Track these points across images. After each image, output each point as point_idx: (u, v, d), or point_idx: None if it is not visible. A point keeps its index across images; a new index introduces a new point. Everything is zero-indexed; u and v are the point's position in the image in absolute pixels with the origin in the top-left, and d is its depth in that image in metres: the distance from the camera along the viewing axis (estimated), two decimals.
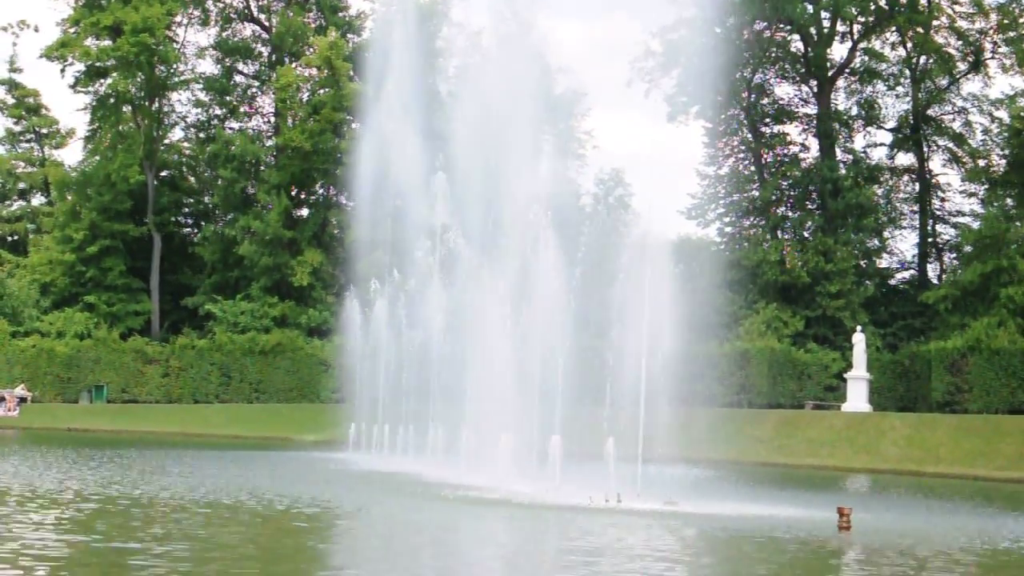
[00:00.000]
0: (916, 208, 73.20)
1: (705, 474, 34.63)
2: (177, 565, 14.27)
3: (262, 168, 76.41)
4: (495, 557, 17.30)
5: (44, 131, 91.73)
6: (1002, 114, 68.46)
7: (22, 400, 64.10)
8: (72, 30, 74.02)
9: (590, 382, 29.11)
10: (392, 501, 24.47)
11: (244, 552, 16.51)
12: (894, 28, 70.93)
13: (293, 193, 76.25)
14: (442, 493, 26.08)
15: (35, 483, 24.81)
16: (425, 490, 27.06)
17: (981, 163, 70.39)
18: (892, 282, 73.27)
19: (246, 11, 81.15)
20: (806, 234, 70.12)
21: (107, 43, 72.94)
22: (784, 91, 76.42)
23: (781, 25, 71.25)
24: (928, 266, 72.27)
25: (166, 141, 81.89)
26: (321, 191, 78.49)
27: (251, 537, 18.22)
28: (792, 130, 76.34)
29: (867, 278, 68.73)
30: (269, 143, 78.17)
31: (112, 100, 75.07)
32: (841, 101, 75.09)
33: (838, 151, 72.56)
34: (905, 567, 17.43)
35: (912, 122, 72.46)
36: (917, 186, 73.42)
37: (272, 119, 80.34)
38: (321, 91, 74.27)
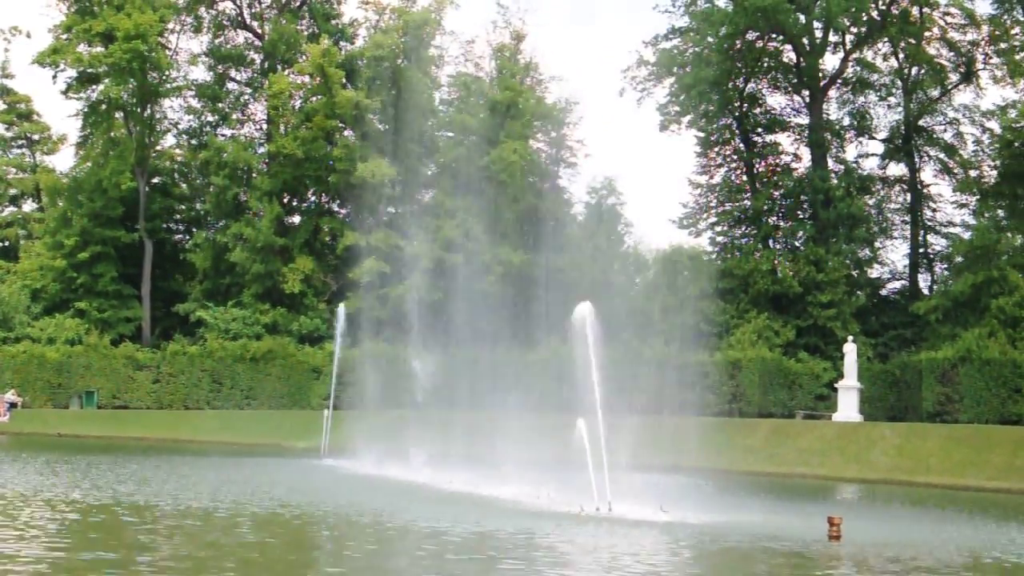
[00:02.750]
0: (907, 218, 73.23)
1: (696, 483, 34.58)
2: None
3: (254, 175, 76.27)
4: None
5: (35, 137, 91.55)
6: (993, 125, 68.60)
7: (12, 406, 63.98)
8: (64, 36, 73.88)
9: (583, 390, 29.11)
10: (378, 504, 24.43)
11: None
12: (886, 39, 71.02)
13: (285, 200, 76.21)
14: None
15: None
16: (409, 494, 27.02)
17: (972, 174, 70.47)
18: (883, 292, 73.28)
19: (239, 18, 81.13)
20: (797, 244, 70.18)
21: (99, 49, 72.77)
22: (776, 101, 76.59)
23: (773, 35, 71.34)
24: (919, 276, 72.29)
25: (158, 148, 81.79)
26: (313, 198, 78.48)
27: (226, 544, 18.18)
28: (784, 140, 76.50)
29: (858, 288, 68.76)
30: (261, 150, 78.07)
31: (104, 106, 74.92)
32: (833, 111, 75.21)
33: (830, 161, 72.62)
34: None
35: (904, 133, 72.54)
36: (908, 196, 73.47)
37: (264, 126, 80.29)
38: (313, 98, 74.32)
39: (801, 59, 71.51)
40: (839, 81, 73.90)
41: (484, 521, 22.35)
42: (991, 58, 69.74)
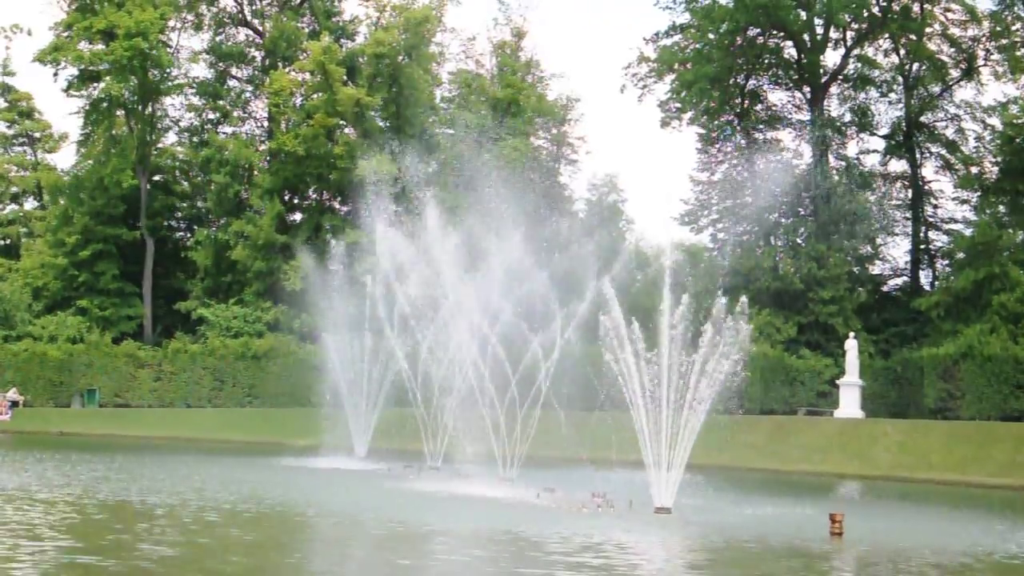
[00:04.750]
0: (909, 215, 73.19)
1: (697, 480, 34.58)
2: None
3: (255, 173, 76.28)
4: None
5: (37, 135, 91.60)
6: (995, 121, 68.52)
7: (14, 404, 63.98)
8: (65, 34, 73.83)
9: (584, 388, 29.13)
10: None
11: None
12: (887, 35, 70.96)
13: (286, 198, 76.15)
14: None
15: None
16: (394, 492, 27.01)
17: (974, 170, 70.38)
18: (885, 289, 73.19)
19: (240, 16, 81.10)
20: (799, 240, 70.12)
21: (100, 47, 72.71)
22: (777, 97, 76.56)
23: (774, 32, 71.29)
24: (921, 273, 72.27)
25: (159, 145, 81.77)
26: (314, 196, 78.40)
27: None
28: (785, 136, 76.48)
29: (860, 285, 68.67)
30: (262, 148, 78.06)
31: (105, 104, 74.92)
32: (834, 108, 75.15)
33: (831, 158, 72.56)
34: (897, 573, 17.44)
35: (905, 129, 72.49)
36: (910, 193, 73.43)
37: (265, 124, 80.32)
38: (314, 96, 74.24)
39: (802, 55, 71.47)
40: (840, 77, 73.85)
41: (485, 521, 22.39)
42: (992, 54, 69.73)
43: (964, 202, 71.70)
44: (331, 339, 45.71)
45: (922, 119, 72.69)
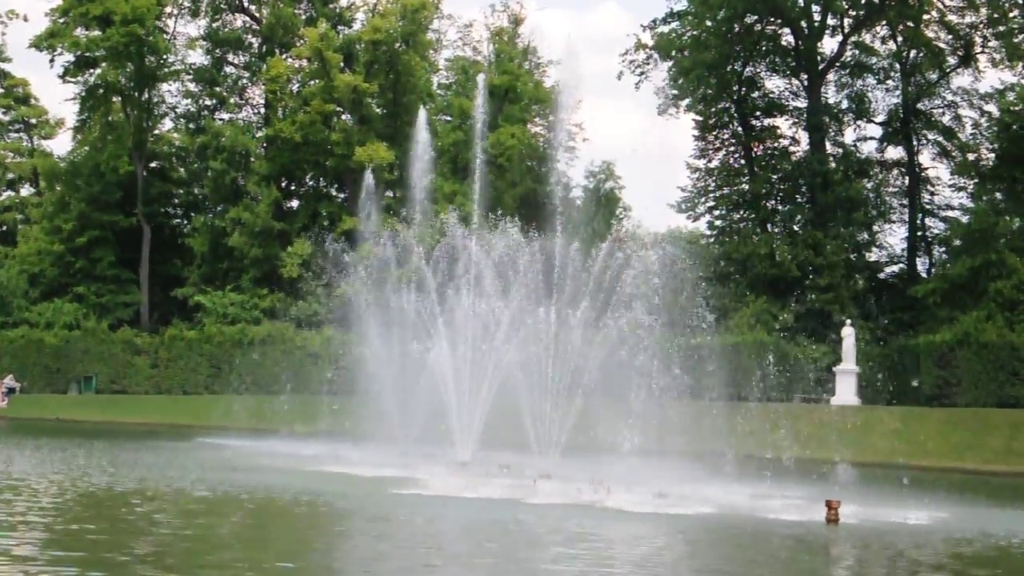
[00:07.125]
0: (906, 202, 73.10)
1: (693, 467, 34.64)
2: None
3: (252, 159, 76.19)
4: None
5: (33, 121, 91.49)
6: (992, 108, 68.41)
7: (11, 391, 64.05)
8: (61, 20, 73.84)
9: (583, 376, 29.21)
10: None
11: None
12: (884, 22, 70.82)
13: (283, 184, 76.12)
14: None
15: None
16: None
17: (971, 157, 70.25)
18: (881, 276, 73.24)
19: (236, 2, 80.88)
20: (796, 228, 70.09)
21: (96, 33, 72.70)
22: (774, 84, 76.33)
23: (772, 18, 71.14)
24: (917, 260, 72.19)
25: (155, 132, 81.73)
26: (311, 182, 78.35)
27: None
28: (782, 123, 76.26)
29: (856, 272, 68.71)
30: (259, 134, 77.97)
31: (101, 90, 74.88)
32: (831, 95, 74.98)
33: (828, 145, 72.45)
34: (892, 559, 17.49)
35: (902, 116, 72.38)
36: (907, 180, 73.33)
37: (262, 110, 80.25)
38: (311, 82, 74.15)
39: (799, 42, 71.35)
40: (837, 64, 73.71)
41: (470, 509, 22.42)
42: (989, 41, 69.52)
43: (961, 189, 71.62)
44: None
45: (919, 106, 72.56)
